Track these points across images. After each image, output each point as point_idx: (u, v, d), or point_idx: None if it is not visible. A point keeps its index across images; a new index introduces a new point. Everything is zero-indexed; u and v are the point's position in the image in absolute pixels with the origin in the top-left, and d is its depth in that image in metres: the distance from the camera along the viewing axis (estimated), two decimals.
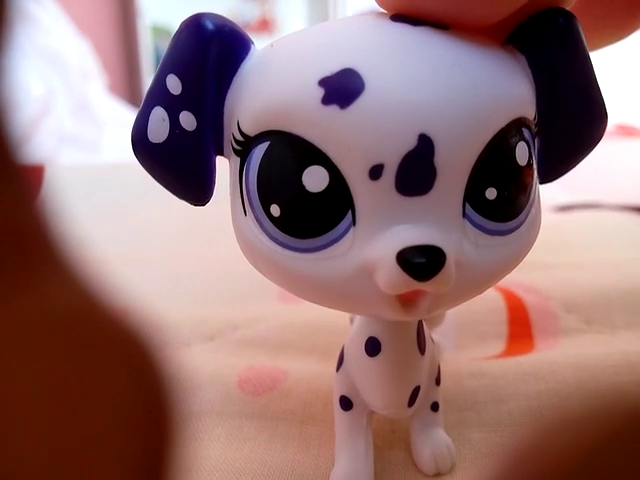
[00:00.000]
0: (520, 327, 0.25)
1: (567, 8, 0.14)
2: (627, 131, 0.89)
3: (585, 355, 0.21)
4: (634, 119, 1.03)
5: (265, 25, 2.05)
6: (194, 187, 0.14)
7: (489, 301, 0.26)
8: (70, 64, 1.07)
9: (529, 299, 0.27)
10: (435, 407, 0.17)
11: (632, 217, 0.40)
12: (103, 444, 0.06)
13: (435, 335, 0.18)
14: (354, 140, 0.12)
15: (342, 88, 0.12)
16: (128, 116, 1.18)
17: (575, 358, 0.21)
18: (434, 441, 0.17)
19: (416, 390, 0.16)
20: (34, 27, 1.02)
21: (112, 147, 1.00)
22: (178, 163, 0.14)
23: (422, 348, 0.16)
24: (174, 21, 1.91)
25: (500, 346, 0.24)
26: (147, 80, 1.81)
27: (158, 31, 1.89)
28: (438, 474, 0.17)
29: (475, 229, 0.13)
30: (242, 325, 0.26)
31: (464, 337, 0.24)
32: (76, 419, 0.06)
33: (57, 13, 1.15)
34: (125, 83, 1.81)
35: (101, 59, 1.29)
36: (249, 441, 0.19)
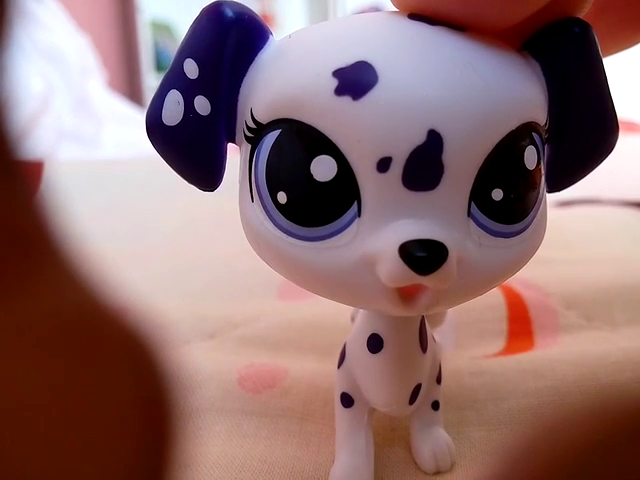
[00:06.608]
0: (520, 324, 0.25)
1: (581, 14, 0.14)
2: (627, 127, 0.89)
3: (585, 352, 0.21)
4: (634, 114, 1.03)
5: (265, 21, 2.05)
6: (204, 172, 0.14)
7: (488, 298, 0.26)
8: (69, 60, 1.07)
9: (529, 295, 0.27)
10: (436, 406, 0.17)
11: (632, 213, 0.40)
12: (104, 442, 0.06)
13: (435, 334, 0.18)
14: (364, 132, 0.12)
15: (356, 80, 0.12)
16: (127, 112, 1.18)
17: (575, 355, 0.21)
18: (434, 439, 0.17)
19: (417, 388, 0.16)
20: (33, 23, 1.02)
21: (111, 143, 1.00)
22: (190, 146, 0.14)
23: (424, 346, 0.16)
24: (173, 17, 1.91)
25: (500, 343, 0.24)
26: (146, 76, 1.81)
27: (157, 27, 1.88)
28: (438, 472, 0.17)
29: (479, 229, 0.12)
30: (242, 323, 0.26)
31: (463, 335, 0.24)
32: (77, 417, 0.06)
33: (56, 9, 1.15)
34: (124, 79, 1.81)
35: (100, 55, 1.29)
36: (249, 438, 0.19)
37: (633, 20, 0.18)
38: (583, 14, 0.14)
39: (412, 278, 0.12)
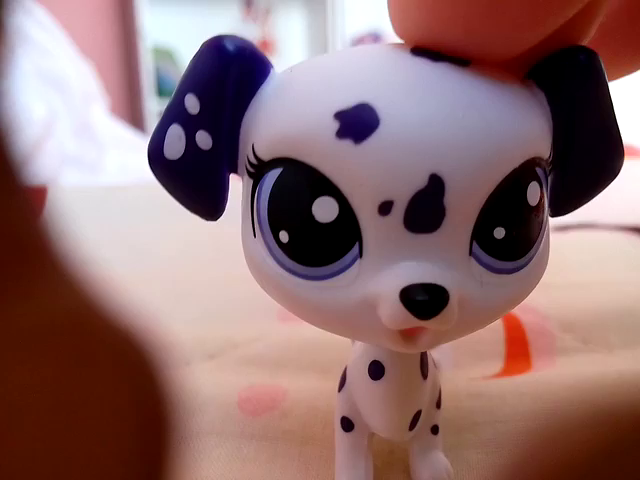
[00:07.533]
0: (517, 346, 0.25)
1: (585, 41, 0.14)
2: (625, 151, 0.89)
3: (582, 375, 0.21)
4: (632, 139, 1.03)
5: (265, 46, 2.07)
6: (206, 203, 0.14)
7: None
8: (72, 86, 1.08)
9: (526, 318, 0.27)
10: (435, 430, 0.17)
11: (629, 237, 0.40)
12: (100, 455, 0.06)
13: (434, 353, 0.18)
14: (366, 175, 0.12)
15: (357, 123, 0.12)
16: (129, 138, 1.18)
17: (572, 378, 0.21)
18: (433, 464, 0.17)
19: (417, 414, 0.16)
20: (36, 49, 1.03)
21: (114, 168, 1.00)
22: (192, 180, 0.14)
23: (425, 373, 0.16)
24: (175, 43, 1.93)
25: (498, 365, 0.24)
26: (148, 102, 1.82)
27: (159, 53, 1.90)
28: None
29: (481, 267, 0.12)
30: (242, 344, 0.26)
31: (462, 356, 0.24)
32: (74, 429, 0.06)
33: (59, 35, 1.16)
34: (127, 105, 1.82)
35: (103, 81, 1.30)
36: (249, 462, 0.19)
37: (637, 43, 0.18)
38: (588, 40, 0.14)
39: (413, 321, 0.12)
